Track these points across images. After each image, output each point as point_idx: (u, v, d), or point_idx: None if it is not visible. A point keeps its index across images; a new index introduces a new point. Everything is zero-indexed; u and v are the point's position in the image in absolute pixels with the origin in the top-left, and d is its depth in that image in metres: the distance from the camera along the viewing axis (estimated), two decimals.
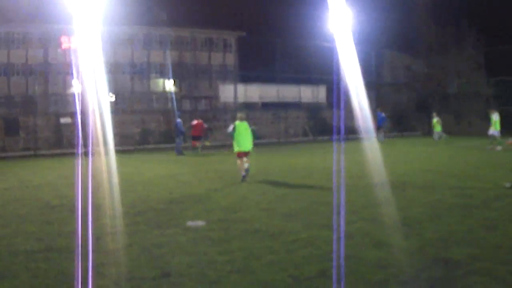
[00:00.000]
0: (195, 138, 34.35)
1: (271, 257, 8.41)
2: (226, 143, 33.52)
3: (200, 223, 11.06)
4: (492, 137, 32.47)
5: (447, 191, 15.04)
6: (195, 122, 34.27)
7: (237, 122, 20.00)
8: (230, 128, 20.29)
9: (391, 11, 62.21)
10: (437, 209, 12.41)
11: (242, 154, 19.41)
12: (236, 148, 19.62)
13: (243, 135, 19.66)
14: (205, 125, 34.91)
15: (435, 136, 40.98)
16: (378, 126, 43.27)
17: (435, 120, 41.86)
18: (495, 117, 32.58)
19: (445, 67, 57.57)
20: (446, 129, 36.18)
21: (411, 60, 63.46)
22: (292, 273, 7.61)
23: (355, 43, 41.74)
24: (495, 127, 32.64)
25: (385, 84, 61.70)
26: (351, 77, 40.92)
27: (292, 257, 8.38)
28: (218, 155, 31.21)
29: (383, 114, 43.87)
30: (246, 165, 19.31)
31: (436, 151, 31.28)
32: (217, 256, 8.47)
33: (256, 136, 21.35)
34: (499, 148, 31.16)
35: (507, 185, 15.43)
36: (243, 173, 19.12)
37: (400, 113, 55.81)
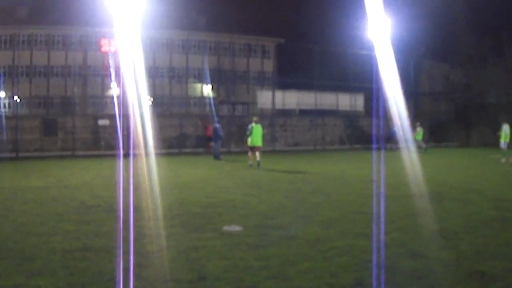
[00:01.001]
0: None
1: (307, 264, 8.39)
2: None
3: (236, 228, 11.09)
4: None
5: (484, 203, 14.90)
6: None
7: (253, 124, 27.79)
8: (249, 127, 27.94)
9: (431, 20, 61.80)
10: (474, 221, 12.30)
11: (254, 148, 27.32)
12: (250, 143, 27.45)
13: (256, 134, 27.40)
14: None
15: (418, 144, 40.97)
16: (388, 138, 43.51)
17: (418, 129, 41.83)
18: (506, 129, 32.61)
19: (484, 78, 57.16)
20: (482, 140, 35.76)
21: (449, 70, 63.15)
22: (328, 281, 7.59)
23: (393, 52, 41.82)
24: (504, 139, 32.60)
25: (423, 94, 61.36)
26: (390, 86, 40.90)
27: (328, 265, 8.36)
28: (255, 161, 31.27)
29: (395, 130, 44.09)
30: (258, 158, 26.90)
31: (473, 162, 31.01)
32: (253, 262, 8.48)
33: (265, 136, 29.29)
34: (503, 160, 30.91)
35: None
36: (251, 162, 27.27)
37: (438, 123, 55.47)
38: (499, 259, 8.88)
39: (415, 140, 41.85)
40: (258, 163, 26.69)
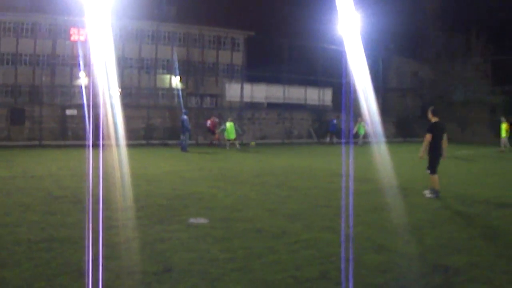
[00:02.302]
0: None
1: (272, 257, 8.42)
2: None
3: (202, 220, 11.08)
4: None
5: (449, 199, 15.06)
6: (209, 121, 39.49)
7: (227, 123, 36.58)
8: (223, 126, 37.17)
9: (400, 17, 62.26)
10: (439, 216, 12.43)
11: (229, 140, 36.42)
12: (227, 136, 36.51)
13: (230, 130, 36.19)
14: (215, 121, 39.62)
15: (358, 140, 41.37)
16: (330, 132, 43.89)
17: (361, 123, 42.18)
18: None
19: (452, 75, 57.74)
20: (449, 137, 36.15)
21: (418, 66, 63.63)
22: (293, 273, 7.63)
23: (362, 47, 41.97)
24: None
25: (391, 90, 61.76)
26: (358, 81, 41.09)
27: (293, 258, 8.40)
28: (223, 153, 31.29)
29: (335, 121, 44.52)
30: (238, 147, 35.98)
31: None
32: (218, 254, 8.49)
33: (238, 131, 37.11)
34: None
35: (427, 194, 15.49)
36: (228, 147, 36.21)
37: (405, 118, 55.88)
38: (463, 253, 9.00)
39: (358, 134, 42.14)
40: (237, 145, 36.37)
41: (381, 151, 32.37)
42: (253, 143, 39.83)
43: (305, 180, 18.80)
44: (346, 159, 29.55)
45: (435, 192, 15.31)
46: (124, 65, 55.91)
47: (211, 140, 39.76)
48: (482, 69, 56.61)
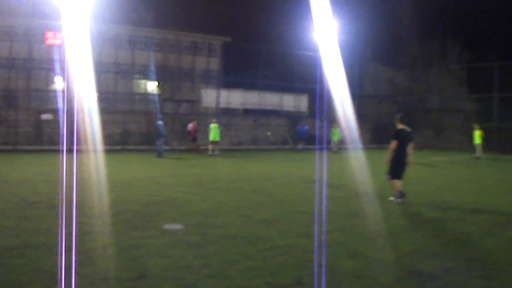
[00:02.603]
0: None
1: (247, 263, 8.42)
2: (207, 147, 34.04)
3: (177, 226, 11.06)
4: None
5: (424, 205, 15.17)
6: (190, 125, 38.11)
7: (211, 125, 37.07)
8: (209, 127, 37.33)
9: (377, 24, 62.60)
10: (414, 222, 12.53)
11: (213, 143, 36.54)
12: (210, 139, 36.37)
13: (214, 132, 36.48)
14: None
15: (333, 147, 41.55)
16: (299, 138, 44.02)
17: (335, 130, 42.37)
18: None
19: (428, 82, 58.21)
20: (425, 143, 36.42)
21: (394, 73, 63.93)
22: (268, 280, 7.62)
23: (339, 54, 42.08)
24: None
25: (367, 96, 62.06)
26: (334, 87, 41.21)
27: (268, 264, 8.40)
28: (198, 159, 31.23)
29: (306, 127, 44.61)
30: (217, 152, 36.15)
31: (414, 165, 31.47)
32: (193, 260, 8.47)
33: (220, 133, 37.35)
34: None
35: (392, 199, 15.61)
36: (210, 152, 35.97)
37: (381, 125, 56.10)
38: (438, 259, 9.07)
39: (332, 141, 42.30)
40: (217, 153, 36.34)
41: (356, 157, 32.56)
42: (269, 133, 40.20)
43: (280, 186, 18.84)
44: (321, 165, 29.61)
45: (400, 195, 15.38)
46: (100, 69, 55.57)
47: (192, 146, 38.26)
48: (458, 76, 57.06)
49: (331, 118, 43.24)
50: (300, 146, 43.29)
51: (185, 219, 11.82)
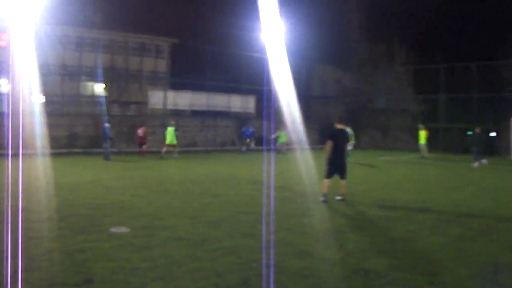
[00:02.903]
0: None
1: (193, 264, 8.41)
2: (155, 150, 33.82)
3: (123, 229, 10.99)
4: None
5: (370, 204, 15.33)
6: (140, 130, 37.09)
7: (168, 128, 35.71)
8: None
9: (324, 26, 63.06)
10: (360, 221, 12.65)
11: (169, 145, 35.21)
12: (167, 142, 35.32)
13: (170, 135, 35.23)
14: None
15: (281, 148, 41.79)
16: (244, 139, 44.14)
17: (280, 132, 42.67)
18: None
19: (375, 83, 58.84)
20: (372, 143, 36.77)
21: (341, 74, 64.46)
22: (215, 281, 7.63)
23: (286, 55, 42.19)
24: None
25: (315, 97, 62.40)
26: (282, 89, 41.35)
27: (214, 265, 8.41)
28: (144, 161, 31.05)
29: (251, 129, 44.76)
30: (176, 155, 34.75)
31: (360, 164, 31.81)
32: (140, 263, 8.44)
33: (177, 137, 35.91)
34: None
35: (338, 197, 15.79)
36: (162, 155, 34.59)
37: (328, 126, 56.43)
38: (384, 257, 9.19)
39: (279, 142, 42.46)
40: (176, 154, 35.05)
41: (303, 158, 32.68)
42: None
43: (227, 188, 18.85)
44: (268, 167, 29.69)
45: (324, 196, 15.54)
46: (47, 71, 54.88)
47: (140, 151, 36.92)
48: (405, 78, 57.83)
49: (278, 119, 43.31)
50: (243, 148, 43.22)
51: (131, 222, 11.74)
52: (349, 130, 36.64)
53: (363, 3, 66.02)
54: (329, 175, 15.73)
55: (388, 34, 61.47)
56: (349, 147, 35.20)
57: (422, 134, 39.64)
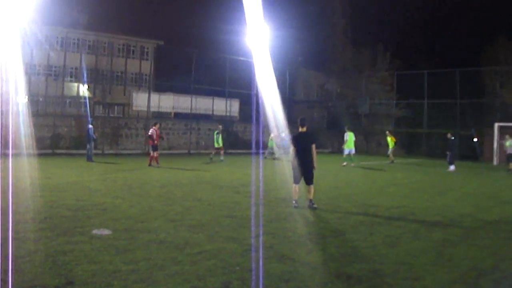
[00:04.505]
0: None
1: (175, 268, 8.41)
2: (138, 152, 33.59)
3: (105, 231, 10.96)
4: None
5: (352, 208, 15.40)
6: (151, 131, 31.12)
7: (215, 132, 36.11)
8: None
9: (309, 31, 63.21)
10: (342, 226, 12.67)
11: (217, 148, 35.53)
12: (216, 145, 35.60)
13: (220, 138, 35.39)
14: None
15: (267, 153, 41.77)
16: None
17: (272, 135, 42.71)
18: (346, 136, 35.08)
19: (358, 88, 59.04)
20: (355, 148, 36.86)
21: (325, 79, 64.62)
22: (196, 284, 7.64)
23: (271, 60, 42.19)
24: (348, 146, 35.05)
25: (299, 101, 62.53)
26: (266, 92, 41.36)
27: (196, 268, 8.41)
28: (128, 164, 30.93)
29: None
30: (221, 158, 35.35)
31: (343, 169, 31.94)
32: (121, 266, 8.42)
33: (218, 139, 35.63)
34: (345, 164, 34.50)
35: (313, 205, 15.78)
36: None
37: (311, 130, 56.48)
38: (365, 261, 9.24)
39: (270, 147, 42.45)
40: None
41: (286, 163, 32.70)
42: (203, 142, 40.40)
43: (210, 191, 18.83)
44: (252, 171, 29.70)
45: (295, 201, 15.64)
46: (31, 72, 54.61)
47: (152, 155, 30.59)
48: (388, 83, 58.01)
49: (264, 123, 43.29)
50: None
51: (113, 224, 11.72)
52: (351, 134, 36.89)
53: (347, 9, 66.32)
54: (295, 180, 15.71)
55: (372, 40, 61.82)
56: (348, 151, 35.44)
57: (390, 139, 40.19)
